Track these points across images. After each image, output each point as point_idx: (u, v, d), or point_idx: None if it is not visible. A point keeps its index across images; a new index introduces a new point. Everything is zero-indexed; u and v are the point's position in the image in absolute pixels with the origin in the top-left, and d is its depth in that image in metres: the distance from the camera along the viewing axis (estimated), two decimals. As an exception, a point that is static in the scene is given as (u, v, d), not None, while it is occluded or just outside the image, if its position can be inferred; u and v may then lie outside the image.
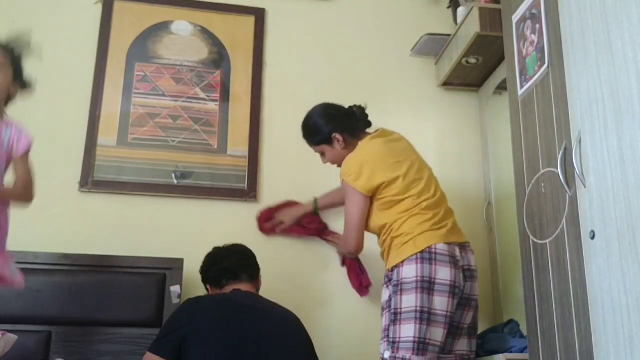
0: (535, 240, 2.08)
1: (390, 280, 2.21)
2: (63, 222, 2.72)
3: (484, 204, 2.99)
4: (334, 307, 2.81)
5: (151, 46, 3.01)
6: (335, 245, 2.77)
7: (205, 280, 2.40)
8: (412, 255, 2.15)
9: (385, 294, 2.23)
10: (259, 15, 3.15)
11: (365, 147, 2.36)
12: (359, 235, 2.34)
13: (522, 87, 2.22)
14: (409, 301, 2.11)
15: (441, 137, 3.12)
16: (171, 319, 2.11)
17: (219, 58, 3.05)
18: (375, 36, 3.24)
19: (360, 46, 3.21)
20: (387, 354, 2.12)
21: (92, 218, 2.75)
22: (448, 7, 3.23)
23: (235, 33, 3.10)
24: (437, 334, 2.10)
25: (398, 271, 2.17)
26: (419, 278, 2.12)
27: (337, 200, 2.71)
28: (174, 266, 2.59)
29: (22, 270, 2.52)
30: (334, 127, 2.41)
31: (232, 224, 2.84)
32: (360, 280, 2.72)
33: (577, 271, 1.83)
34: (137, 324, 2.50)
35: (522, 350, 2.29)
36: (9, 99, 2.06)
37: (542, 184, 2.05)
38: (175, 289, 2.56)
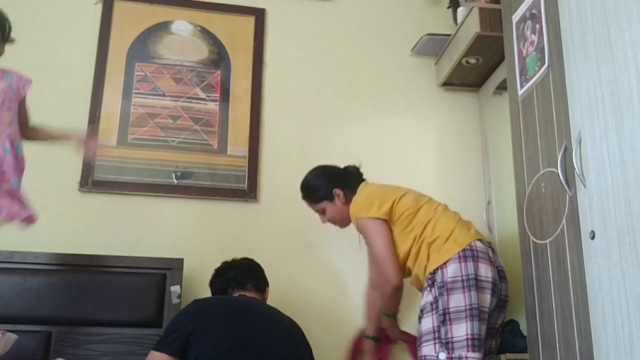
0: (535, 240, 2.08)
1: (433, 282, 2.18)
2: (63, 222, 2.72)
3: (484, 204, 2.99)
4: (334, 307, 2.81)
5: (151, 46, 3.01)
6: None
7: (213, 292, 2.39)
8: (454, 255, 2.15)
9: (428, 296, 2.19)
10: (259, 15, 3.15)
11: (365, 188, 2.46)
12: (394, 263, 2.29)
13: (522, 87, 2.22)
14: (458, 300, 2.10)
15: (441, 137, 3.12)
16: (176, 318, 2.11)
17: (219, 58, 3.05)
18: (375, 36, 3.24)
19: (360, 46, 3.21)
20: (442, 355, 2.09)
21: (92, 218, 2.75)
22: (448, 7, 3.23)
23: (235, 33, 3.10)
24: (483, 330, 2.11)
25: (442, 272, 2.15)
26: (464, 277, 2.12)
27: (376, 314, 2.61)
28: (174, 266, 2.59)
29: (22, 270, 2.54)
30: (334, 183, 2.49)
31: (232, 224, 2.84)
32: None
33: (577, 271, 1.83)
34: (137, 324, 2.50)
35: (522, 350, 2.29)
36: None
37: (542, 184, 2.05)
38: (175, 289, 2.56)
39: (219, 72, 3.03)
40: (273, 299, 2.37)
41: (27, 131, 2.19)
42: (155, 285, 2.56)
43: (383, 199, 2.34)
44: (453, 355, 2.07)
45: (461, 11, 2.96)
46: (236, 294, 2.29)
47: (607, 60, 1.72)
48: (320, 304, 2.80)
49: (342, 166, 2.57)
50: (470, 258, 2.14)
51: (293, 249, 2.86)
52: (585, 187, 1.79)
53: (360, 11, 3.27)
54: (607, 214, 1.69)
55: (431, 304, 2.15)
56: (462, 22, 2.84)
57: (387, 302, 2.41)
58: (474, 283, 2.11)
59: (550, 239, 1.98)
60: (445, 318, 2.10)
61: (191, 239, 2.75)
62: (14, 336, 2.16)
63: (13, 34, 2.22)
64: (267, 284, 2.40)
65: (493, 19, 2.68)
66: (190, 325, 2.03)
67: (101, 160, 2.81)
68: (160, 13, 3.06)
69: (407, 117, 3.12)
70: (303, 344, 2.19)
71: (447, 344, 2.08)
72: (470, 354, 2.05)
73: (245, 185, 2.88)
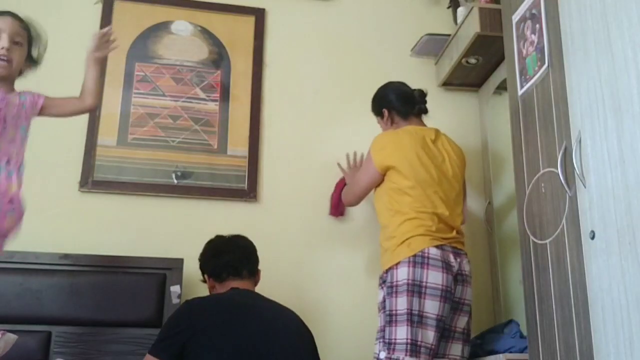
0: (535, 240, 2.08)
1: (384, 281, 2.26)
2: (63, 222, 2.72)
3: (484, 204, 2.99)
4: (334, 306, 2.81)
5: (151, 46, 3.01)
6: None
7: (203, 270, 2.36)
8: (405, 259, 2.21)
9: (380, 294, 2.28)
10: (259, 15, 3.15)
11: (404, 130, 2.49)
12: (357, 201, 2.62)
13: (522, 87, 2.22)
14: (402, 303, 2.17)
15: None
16: (170, 321, 2.09)
17: (219, 58, 3.05)
18: (375, 36, 3.24)
19: (360, 46, 3.21)
20: (382, 355, 2.17)
21: (92, 218, 2.75)
22: (448, 7, 3.23)
23: (235, 33, 3.10)
24: (428, 336, 2.15)
25: (392, 273, 2.23)
26: (410, 281, 2.18)
27: None
28: (174, 266, 2.60)
29: (22, 270, 2.54)
30: (388, 103, 2.60)
31: (232, 224, 2.83)
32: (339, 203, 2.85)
33: (577, 271, 1.83)
34: (137, 324, 2.50)
35: (522, 350, 2.29)
36: (19, 73, 2.16)
37: (542, 184, 2.05)
38: (175, 289, 2.56)
39: (219, 72, 3.03)
40: (273, 298, 2.37)
41: (86, 99, 2.22)
42: (155, 285, 2.56)
43: (396, 153, 2.40)
44: (392, 356, 2.14)
45: (461, 11, 2.96)
46: (229, 284, 2.25)
47: (607, 60, 1.72)
48: (320, 304, 2.80)
49: (413, 89, 2.65)
50: (421, 265, 2.20)
51: (293, 249, 2.86)
52: (585, 187, 1.79)
53: (360, 11, 3.27)
54: (607, 214, 1.69)
55: (381, 303, 2.26)
56: (462, 22, 2.84)
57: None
58: (419, 289, 2.17)
59: (550, 239, 1.98)
60: (390, 319, 2.18)
61: (191, 239, 2.74)
62: (14, 336, 2.16)
63: None
64: (258, 263, 2.37)
65: (493, 19, 2.68)
66: (186, 332, 2.01)
67: (101, 160, 2.81)
68: (160, 13, 3.06)
69: (407, 117, 3.12)
70: (303, 338, 2.16)
71: (390, 345, 2.16)
72: (408, 359, 2.11)
73: (245, 185, 2.88)
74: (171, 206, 2.83)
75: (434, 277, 2.19)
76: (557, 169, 1.92)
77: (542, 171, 2.06)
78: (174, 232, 2.78)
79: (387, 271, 2.26)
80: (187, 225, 2.80)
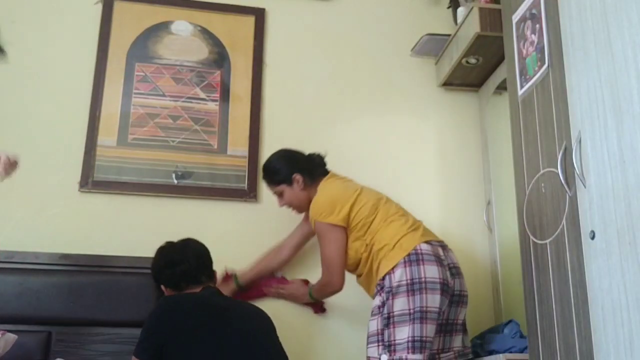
0: (535, 240, 2.08)
1: (382, 287, 2.26)
2: (63, 222, 2.72)
3: (484, 204, 2.99)
4: (334, 306, 2.81)
5: (151, 46, 3.01)
6: (290, 296, 2.69)
7: (158, 280, 2.34)
8: (400, 260, 2.23)
9: (376, 300, 2.28)
10: (259, 15, 3.15)
11: (327, 187, 2.47)
12: (342, 271, 2.41)
13: (522, 87, 2.22)
14: (402, 304, 2.18)
15: (441, 137, 3.12)
16: (149, 322, 2.09)
17: (219, 58, 3.05)
18: (375, 36, 3.24)
19: (360, 46, 3.21)
20: (384, 357, 2.17)
21: (92, 218, 2.75)
22: (448, 7, 3.23)
23: (235, 33, 3.10)
24: (431, 330, 2.17)
25: (390, 277, 2.24)
26: (408, 281, 2.20)
27: (263, 272, 2.70)
28: (174, 266, 2.59)
29: (22, 270, 2.54)
30: (295, 168, 2.51)
31: (232, 224, 2.84)
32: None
33: (577, 271, 1.83)
34: (137, 324, 2.47)
35: (522, 350, 2.29)
36: None
37: (542, 184, 2.05)
38: (175, 289, 2.56)
39: (219, 72, 3.03)
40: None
41: None
42: (155, 285, 2.56)
43: (344, 201, 2.38)
44: (394, 357, 2.15)
45: (461, 11, 2.96)
46: (190, 290, 2.25)
47: (607, 60, 1.72)
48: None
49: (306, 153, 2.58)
50: (415, 262, 2.22)
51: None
52: (585, 187, 1.79)
53: (360, 11, 3.27)
54: (607, 214, 1.69)
55: (378, 307, 2.24)
56: (462, 22, 2.84)
57: (320, 296, 2.60)
58: (419, 286, 2.19)
59: (550, 239, 1.98)
60: (389, 321, 2.19)
61: (191, 239, 2.75)
62: (14, 336, 2.16)
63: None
64: (212, 265, 2.35)
65: (493, 19, 2.68)
66: (163, 334, 2.03)
67: (101, 160, 2.81)
68: (160, 13, 3.06)
69: (407, 117, 3.12)
70: (275, 338, 2.21)
71: (390, 346, 2.16)
72: (411, 356, 2.13)
73: (245, 185, 2.88)
74: (171, 206, 2.82)
75: (431, 272, 2.21)
76: (557, 169, 1.92)
77: (542, 171, 2.06)
78: (174, 232, 2.76)
79: (384, 277, 2.26)
80: (187, 225, 2.79)
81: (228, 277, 2.66)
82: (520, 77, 2.23)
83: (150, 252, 2.56)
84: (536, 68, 2.11)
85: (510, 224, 2.69)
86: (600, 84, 1.74)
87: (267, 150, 2.96)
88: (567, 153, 1.89)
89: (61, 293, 2.50)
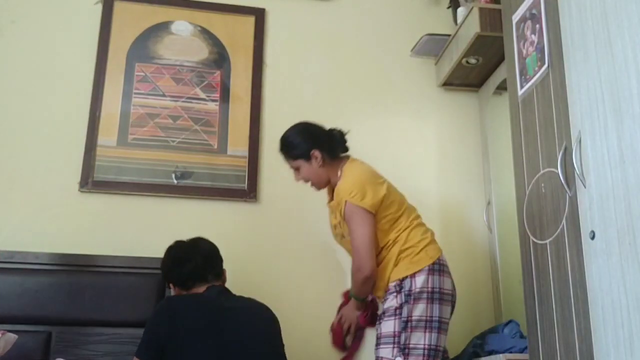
0: (535, 240, 2.08)
1: (401, 289, 2.24)
2: (63, 222, 2.72)
3: (484, 204, 2.99)
4: (334, 306, 2.80)
5: (151, 46, 3.01)
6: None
7: (167, 279, 2.32)
8: (425, 267, 2.24)
9: (393, 301, 2.24)
10: (259, 15, 3.15)
11: (357, 168, 2.38)
12: (373, 255, 2.27)
13: (522, 87, 2.22)
14: (421, 310, 2.20)
15: (441, 137, 3.12)
16: (151, 322, 2.09)
17: (219, 58, 3.05)
18: (375, 36, 3.24)
19: (360, 46, 3.21)
20: (398, 359, 2.18)
21: (92, 218, 2.75)
22: (448, 7, 3.23)
23: (235, 33, 3.10)
24: (444, 340, 2.23)
25: (411, 281, 2.24)
26: (429, 289, 2.22)
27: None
28: (174, 266, 2.59)
29: (22, 270, 2.55)
30: (314, 144, 2.39)
31: (232, 224, 2.84)
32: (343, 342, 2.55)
33: (577, 271, 1.83)
34: (137, 324, 2.49)
35: (522, 351, 2.29)
36: None
37: (542, 184, 2.05)
38: (175, 289, 2.56)
39: (219, 72, 3.03)
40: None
41: None
42: (155, 285, 2.56)
43: (376, 189, 2.29)
44: None
45: (461, 11, 2.96)
46: (197, 290, 2.24)
47: (607, 60, 1.72)
48: (320, 304, 2.80)
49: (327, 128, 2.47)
50: (438, 272, 2.25)
51: (293, 249, 2.86)
52: (585, 187, 1.79)
53: (360, 11, 3.27)
54: (607, 214, 1.69)
55: (395, 309, 2.22)
56: (462, 22, 2.84)
57: (357, 288, 2.36)
58: (438, 296, 2.22)
59: (550, 239, 1.98)
60: (407, 325, 2.19)
61: (191, 239, 2.75)
62: (14, 336, 2.16)
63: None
64: (222, 263, 2.33)
65: (493, 19, 2.68)
66: (164, 334, 2.02)
67: (101, 160, 2.81)
68: (160, 13, 3.06)
69: (407, 117, 3.12)
70: (276, 341, 2.20)
71: (405, 350, 2.17)
72: None
73: (245, 185, 2.88)
74: (171, 206, 2.83)
75: (447, 284, 2.27)
76: (557, 169, 1.92)
77: (542, 171, 2.06)
78: (174, 232, 2.76)
79: (403, 279, 2.25)
80: (187, 225, 2.79)
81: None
82: (520, 77, 2.23)
83: (150, 252, 2.57)
84: (536, 68, 2.11)
85: (510, 224, 2.69)
86: (600, 84, 1.74)
87: (267, 150, 2.96)
88: (567, 153, 1.89)
89: (61, 293, 2.50)
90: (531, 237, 2.11)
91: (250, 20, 3.13)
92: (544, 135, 2.05)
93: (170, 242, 2.72)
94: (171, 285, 2.32)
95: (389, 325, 2.21)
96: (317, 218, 2.84)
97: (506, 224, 2.82)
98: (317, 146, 2.39)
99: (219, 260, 2.34)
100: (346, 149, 2.48)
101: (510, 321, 2.50)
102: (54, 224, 2.71)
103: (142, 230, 2.76)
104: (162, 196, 2.83)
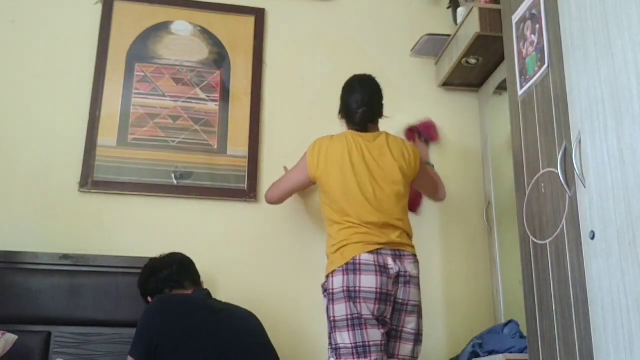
0: (535, 240, 2.08)
1: (325, 290, 2.30)
2: (63, 222, 2.72)
3: (484, 204, 2.99)
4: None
5: (151, 46, 3.01)
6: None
7: (145, 292, 2.32)
8: (339, 267, 2.26)
9: (324, 301, 2.31)
10: (259, 15, 3.15)
11: (339, 137, 2.53)
12: (279, 197, 2.66)
13: (522, 87, 2.22)
14: (340, 310, 2.22)
15: (441, 137, 3.11)
16: (142, 322, 2.09)
17: (219, 58, 3.05)
18: (375, 36, 3.24)
19: (360, 46, 3.21)
20: None
21: (92, 218, 2.75)
22: (448, 7, 3.23)
23: (235, 33, 3.10)
24: (375, 334, 2.20)
25: (330, 281, 2.28)
26: (345, 288, 2.23)
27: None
28: (174, 266, 2.59)
29: (22, 270, 2.55)
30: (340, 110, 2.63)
31: (232, 224, 2.84)
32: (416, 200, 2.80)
33: (577, 271, 1.83)
34: (136, 324, 2.49)
35: (522, 351, 2.29)
36: None
37: (542, 184, 2.05)
38: (175, 289, 2.56)
39: (219, 72, 3.03)
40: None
41: None
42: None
43: (327, 163, 2.43)
44: None
45: (461, 11, 2.96)
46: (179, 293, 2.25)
47: (607, 60, 1.72)
48: (320, 304, 2.80)
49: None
50: (352, 271, 2.24)
51: (293, 249, 2.85)
52: (585, 187, 1.79)
53: (360, 11, 3.27)
54: (607, 214, 1.69)
55: (326, 311, 2.29)
56: (462, 23, 2.84)
57: (444, 191, 2.76)
58: (354, 295, 2.22)
59: (550, 239, 1.98)
60: (333, 326, 2.24)
61: (191, 239, 2.75)
62: (14, 336, 2.16)
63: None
64: (199, 276, 2.37)
65: (493, 19, 2.68)
66: (155, 333, 2.03)
67: (101, 160, 2.81)
68: (160, 13, 3.06)
69: (407, 118, 3.12)
70: (267, 339, 2.23)
71: (336, 350, 2.22)
72: None
73: (245, 185, 2.88)
74: (171, 206, 2.82)
75: (367, 282, 2.22)
76: (557, 169, 1.92)
77: (542, 171, 2.06)
78: (173, 232, 2.78)
79: (326, 278, 2.30)
80: (187, 225, 2.80)
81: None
82: (520, 77, 2.23)
83: (150, 252, 2.57)
84: (536, 68, 2.11)
85: (510, 224, 2.69)
86: (600, 84, 1.74)
87: (267, 150, 2.96)
88: (567, 153, 1.89)
89: (61, 293, 2.50)
90: (531, 237, 2.11)
91: (250, 20, 3.13)
92: (543, 135, 2.06)
93: (170, 242, 2.74)
94: (149, 299, 2.31)
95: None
96: (317, 218, 2.84)
97: (506, 224, 2.82)
98: (340, 112, 2.64)
99: (195, 270, 2.36)
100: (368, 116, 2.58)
101: (510, 321, 2.50)
102: (53, 224, 2.71)
103: (142, 231, 2.76)
104: (162, 196, 2.83)
